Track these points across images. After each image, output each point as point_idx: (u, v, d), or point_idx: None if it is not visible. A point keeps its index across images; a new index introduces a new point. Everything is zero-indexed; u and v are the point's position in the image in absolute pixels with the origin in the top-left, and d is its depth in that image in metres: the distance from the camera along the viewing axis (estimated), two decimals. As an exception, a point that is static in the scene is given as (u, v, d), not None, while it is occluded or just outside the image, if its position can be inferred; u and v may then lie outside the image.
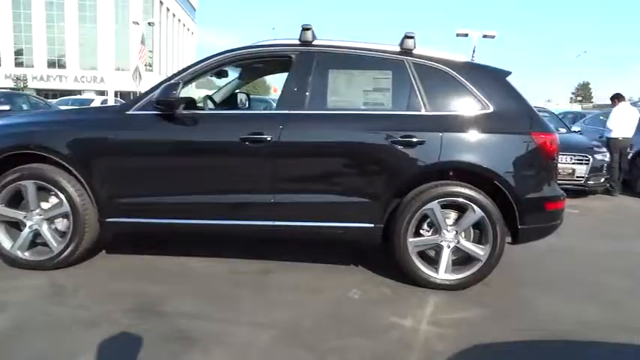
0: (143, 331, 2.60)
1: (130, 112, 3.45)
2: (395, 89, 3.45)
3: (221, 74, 4.24)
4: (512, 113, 3.44)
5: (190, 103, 3.68)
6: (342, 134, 3.37)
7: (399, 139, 3.28)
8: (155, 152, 3.43)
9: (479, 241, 3.38)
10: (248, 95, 5.06)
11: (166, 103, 3.30)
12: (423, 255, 3.43)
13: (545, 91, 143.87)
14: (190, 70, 3.57)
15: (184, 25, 67.53)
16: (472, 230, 3.41)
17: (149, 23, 39.95)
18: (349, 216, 3.39)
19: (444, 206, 3.33)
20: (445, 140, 3.28)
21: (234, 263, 3.76)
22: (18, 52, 51.14)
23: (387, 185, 3.31)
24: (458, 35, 20.94)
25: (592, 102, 57.42)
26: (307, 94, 3.42)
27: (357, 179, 3.36)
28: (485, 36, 20.79)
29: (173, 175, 3.44)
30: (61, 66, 51.47)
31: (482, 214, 3.26)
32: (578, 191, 7.79)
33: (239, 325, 2.76)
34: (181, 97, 3.36)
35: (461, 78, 3.41)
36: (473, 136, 3.32)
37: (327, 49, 3.54)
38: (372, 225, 3.37)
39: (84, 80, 51.08)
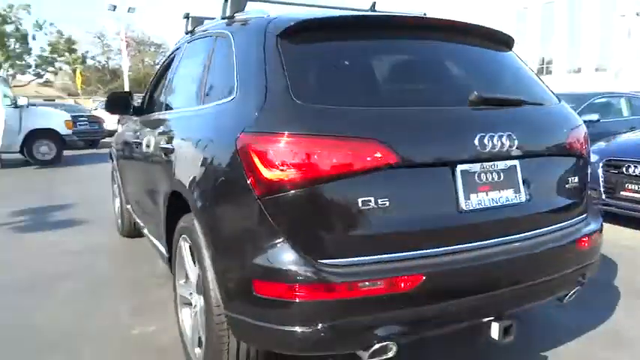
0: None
1: None
2: (208, 73, 2.49)
3: None
4: (256, 97, 1.82)
5: None
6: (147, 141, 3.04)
7: (165, 145, 2.58)
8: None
9: None
10: None
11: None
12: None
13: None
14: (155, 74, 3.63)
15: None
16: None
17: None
18: None
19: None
20: (178, 149, 2.41)
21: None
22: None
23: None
24: None
25: None
26: (163, 93, 3.25)
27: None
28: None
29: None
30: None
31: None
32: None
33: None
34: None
35: (232, 43, 2.17)
36: (193, 146, 2.24)
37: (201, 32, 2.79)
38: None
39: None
